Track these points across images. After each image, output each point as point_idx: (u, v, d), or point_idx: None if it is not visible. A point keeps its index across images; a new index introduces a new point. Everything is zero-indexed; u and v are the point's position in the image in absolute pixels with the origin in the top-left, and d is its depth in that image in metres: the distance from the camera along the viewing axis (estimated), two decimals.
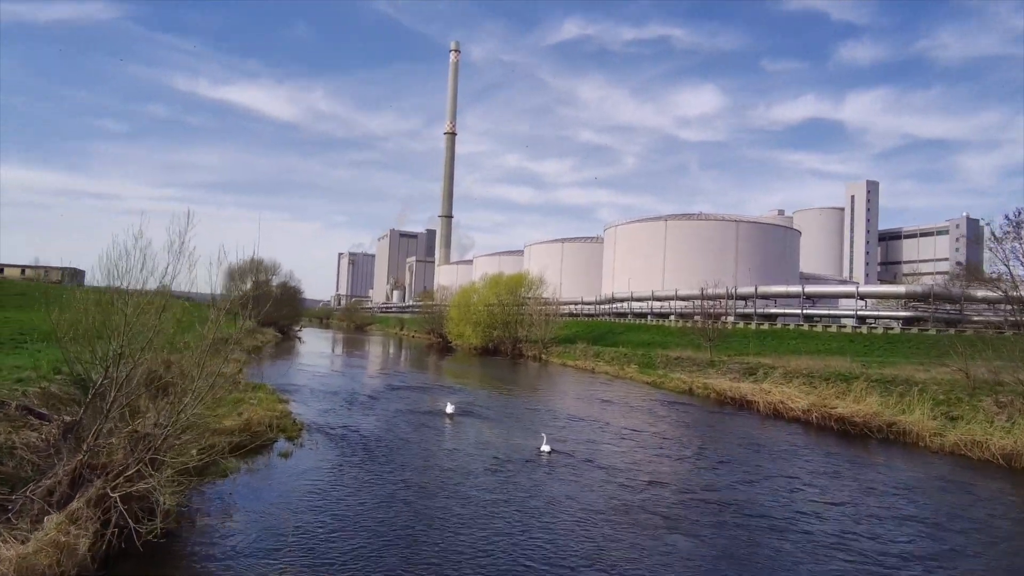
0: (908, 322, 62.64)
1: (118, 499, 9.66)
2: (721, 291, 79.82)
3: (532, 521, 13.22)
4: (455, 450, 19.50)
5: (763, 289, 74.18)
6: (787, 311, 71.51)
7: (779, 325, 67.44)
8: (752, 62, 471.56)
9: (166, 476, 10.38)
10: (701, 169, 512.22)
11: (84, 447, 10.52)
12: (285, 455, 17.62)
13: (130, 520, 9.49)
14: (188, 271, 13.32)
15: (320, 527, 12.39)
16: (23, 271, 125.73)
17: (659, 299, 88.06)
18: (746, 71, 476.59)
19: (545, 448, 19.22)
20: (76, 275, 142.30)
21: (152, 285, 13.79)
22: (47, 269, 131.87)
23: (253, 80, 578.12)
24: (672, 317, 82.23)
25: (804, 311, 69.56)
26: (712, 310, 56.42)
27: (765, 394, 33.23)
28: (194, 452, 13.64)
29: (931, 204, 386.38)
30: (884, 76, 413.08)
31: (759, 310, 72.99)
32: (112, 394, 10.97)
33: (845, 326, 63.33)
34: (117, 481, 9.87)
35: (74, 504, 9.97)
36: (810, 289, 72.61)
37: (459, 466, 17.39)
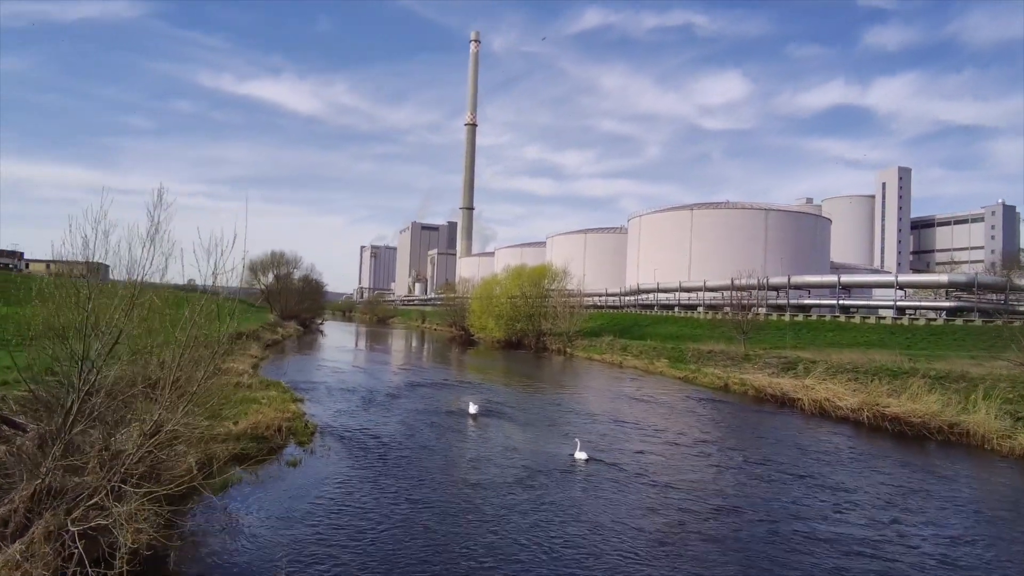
0: (951, 312, 59.70)
1: (76, 534, 8.03)
2: (752, 281, 77.21)
3: (571, 553, 11.43)
4: (480, 459, 17.75)
5: (796, 279, 71.39)
6: (821, 302, 68.77)
7: (814, 316, 64.71)
8: (777, 48, 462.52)
9: (134, 505, 8.70)
10: (725, 158, 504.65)
11: (43, 468, 8.91)
12: (293, 464, 16.00)
13: (87, 562, 7.85)
14: (165, 260, 11.48)
15: (324, 559, 10.71)
16: (48, 265, 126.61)
17: (687, 290, 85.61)
18: (771, 57, 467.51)
19: (580, 455, 17.43)
20: (100, 269, 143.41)
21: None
22: (72, 264, 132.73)
23: (276, 75, 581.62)
24: (700, 309, 79.81)
25: (840, 301, 66.82)
26: (744, 301, 54.02)
27: (809, 391, 31.06)
28: (182, 470, 12.08)
29: (962, 191, 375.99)
30: (913, 60, 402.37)
31: (792, 301, 70.30)
32: (75, 404, 9.34)
33: (884, 317, 60.53)
34: (75, 513, 8.23)
35: (28, 536, 8.39)
36: (847, 279, 69.74)
37: (485, 480, 15.62)
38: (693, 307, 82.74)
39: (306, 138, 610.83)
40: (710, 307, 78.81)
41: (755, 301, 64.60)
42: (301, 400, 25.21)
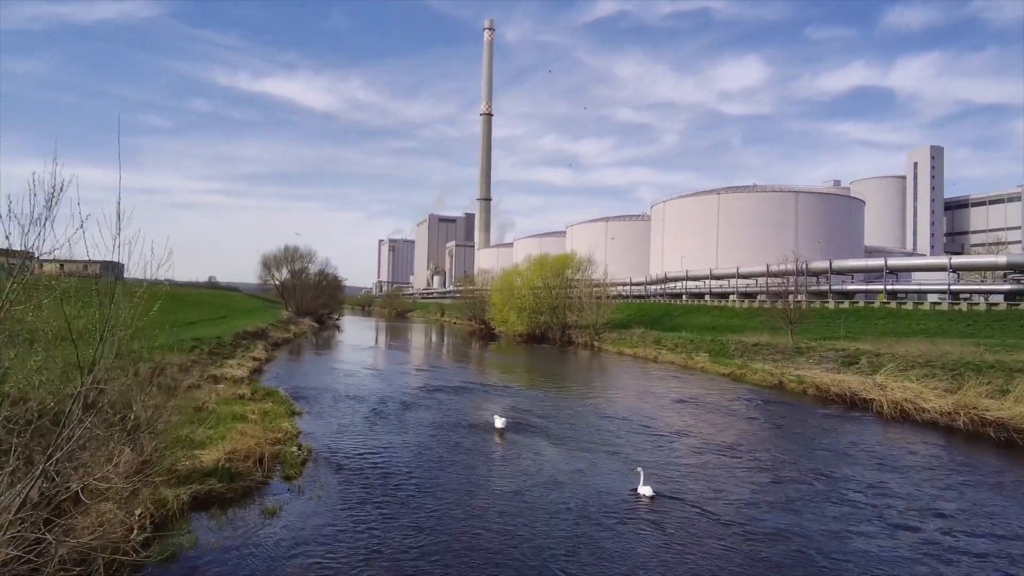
0: (1009, 296, 54.82)
1: None
2: (789, 266, 72.59)
3: None
4: (512, 495, 13.90)
5: (839, 264, 66.64)
6: (869, 287, 64.16)
7: (861, 303, 60.10)
8: (796, 31, 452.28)
9: None
10: (744, 144, 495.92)
11: None
12: (271, 512, 12.18)
13: None
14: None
15: None
16: (62, 265, 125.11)
17: (717, 278, 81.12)
18: (790, 40, 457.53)
19: (644, 490, 13.58)
20: (114, 268, 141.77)
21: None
22: (87, 263, 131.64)
23: (292, 72, 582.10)
24: (733, 297, 75.38)
25: (887, 287, 62.11)
26: (787, 288, 49.72)
27: (885, 392, 26.89)
28: (103, 536, 8.47)
29: (989, 172, 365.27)
30: (936, 40, 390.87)
31: (834, 287, 65.63)
32: None
33: (939, 302, 55.83)
34: None
35: None
36: (895, 262, 64.90)
37: (522, 533, 11.77)
38: (725, 295, 78.32)
39: (322, 134, 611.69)
40: (744, 295, 74.39)
41: (794, 288, 60.15)
42: (299, 414, 21.61)
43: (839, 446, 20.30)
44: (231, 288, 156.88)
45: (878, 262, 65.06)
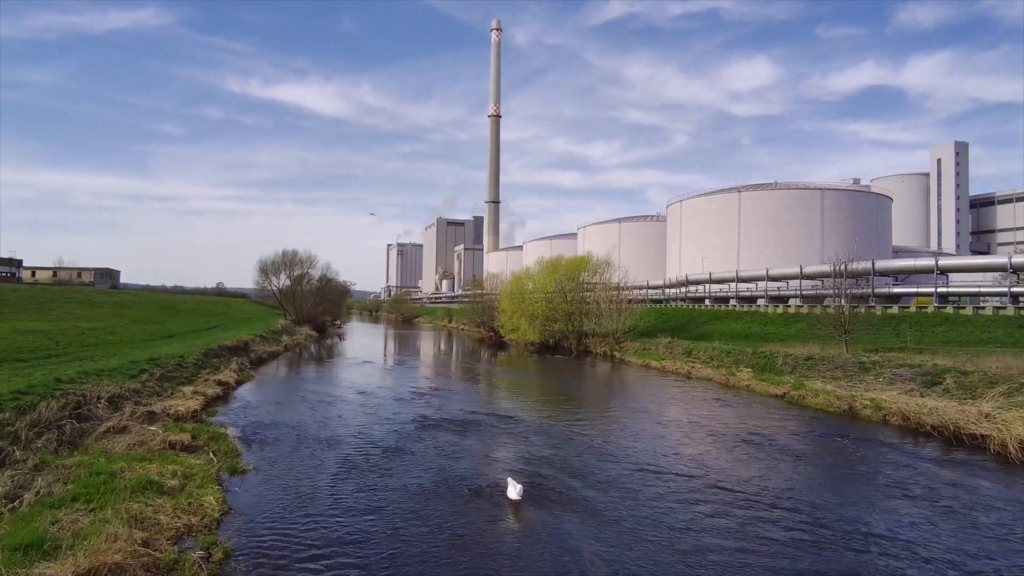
0: None
1: None
2: (824, 267, 66.63)
3: None
4: None
5: (884, 264, 60.62)
6: (916, 290, 58.20)
7: (913, 308, 54.11)
8: (807, 30, 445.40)
9: None
10: (754, 144, 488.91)
11: None
12: None
13: None
14: None
15: None
16: (55, 273, 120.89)
17: (745, 280, 75.19)
18: (800, 40, 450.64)
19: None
20: (110, 275, 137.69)
21: None
22: (80, 270, 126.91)
23: (302, 78, 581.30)
24: (762, 301, 69.48)
25: (938, 289, 56.11)
26: (837, 290, 43.92)
27: (995, 423, 21.09)
28: None
29: (1005, 170, 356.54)
30: (947, 38, 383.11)
31: (877, 290, 59.62)
32: None
33: (1004, 307, 49.77)
34: None
35: None
36: (946, 262, 58.82)
37: None
38: (752, 299, 72.46)
39: (333, 139, 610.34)
40: (775, 299, 68.50)
41: (846, 291, 54.13)
42: (242, 473, 15.97)
43: (977, 510, 14.53)
44: (239, 295, 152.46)
45: (927, 262, 59.03)
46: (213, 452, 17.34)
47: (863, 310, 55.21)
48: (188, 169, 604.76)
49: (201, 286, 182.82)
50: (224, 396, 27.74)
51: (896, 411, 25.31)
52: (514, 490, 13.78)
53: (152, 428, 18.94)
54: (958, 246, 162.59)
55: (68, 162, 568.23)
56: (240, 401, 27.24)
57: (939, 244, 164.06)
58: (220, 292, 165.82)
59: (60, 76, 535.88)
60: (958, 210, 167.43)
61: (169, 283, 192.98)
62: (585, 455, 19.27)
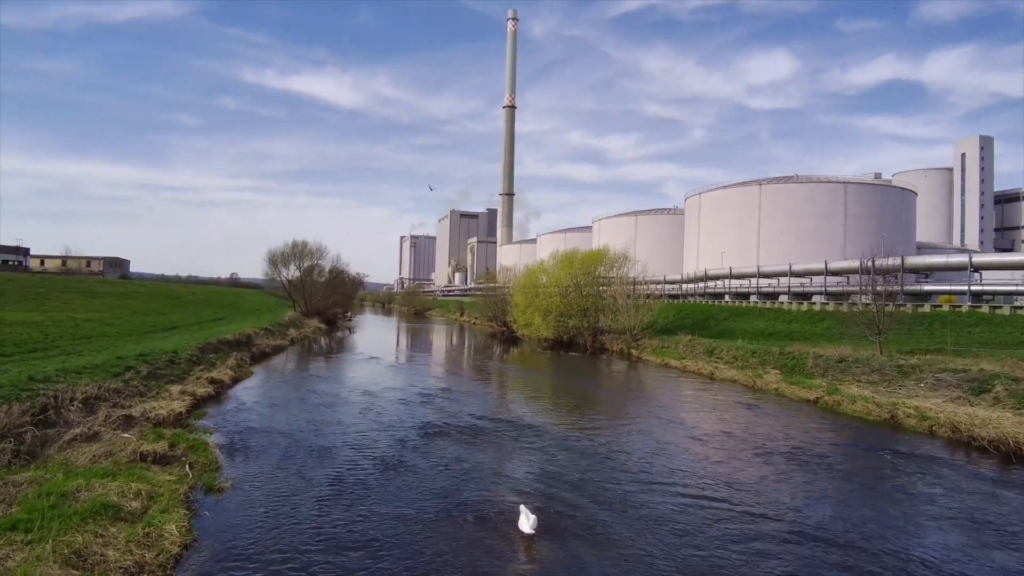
0: None
1: None
2: (850, 263, 64.06)
3: None
4: None
5: (914, 261, 57.91)
6: (950, 288, 55.51)
7: (946, 307, 51.46)
8: (826, 23, 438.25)
9: None
10: (772, 138, 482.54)
11: None
12: None
13: None
14: None
15: None
16: (64, 262, 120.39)
17: (767, 276, 72.67)
18: (820, 33, 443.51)
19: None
20: (119, 264, 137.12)
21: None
22: (90, 259, 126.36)
23: (319, 69, 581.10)
24: (784, 298, 66.97)
25: (972, 287, 53.40)
26: (872, 286, 41.49)
27: None
28: None
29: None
30: (969, 32, 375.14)
31: (906, 287, 56.98)
32: None
33: None
34: None
35: None
36: (981, 259, 56.05)
37: None
38: (774, 295, 69.93)
39: (349, 131, 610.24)
40: (798, 295, 65.99)
41: (859, 287, 51.68)
42: (217, 491, 14.12)
43: None
44: (252, 286, 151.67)
45: (960, 259, 56.28)
46: (190, 465, 15.54)
47: (891, 308, 52.76)
48: (204, 160, 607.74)
49: (215, 276, 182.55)
50: (217, 396, 25.98)
51: (945, 422, 23.08)
52: (527, 522, 11.79)
53: (126, 435, 17.17)
54: (981, 243, 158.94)
55: (85, 152, 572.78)
56: (233, 402, 25.47)
57: (962, 240, 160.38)
58: (234, 283, 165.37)
59: (78, 66, 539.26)
60: (982, 206, 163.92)
61: (183, 273, 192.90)
62: (608, 475, 17.26)
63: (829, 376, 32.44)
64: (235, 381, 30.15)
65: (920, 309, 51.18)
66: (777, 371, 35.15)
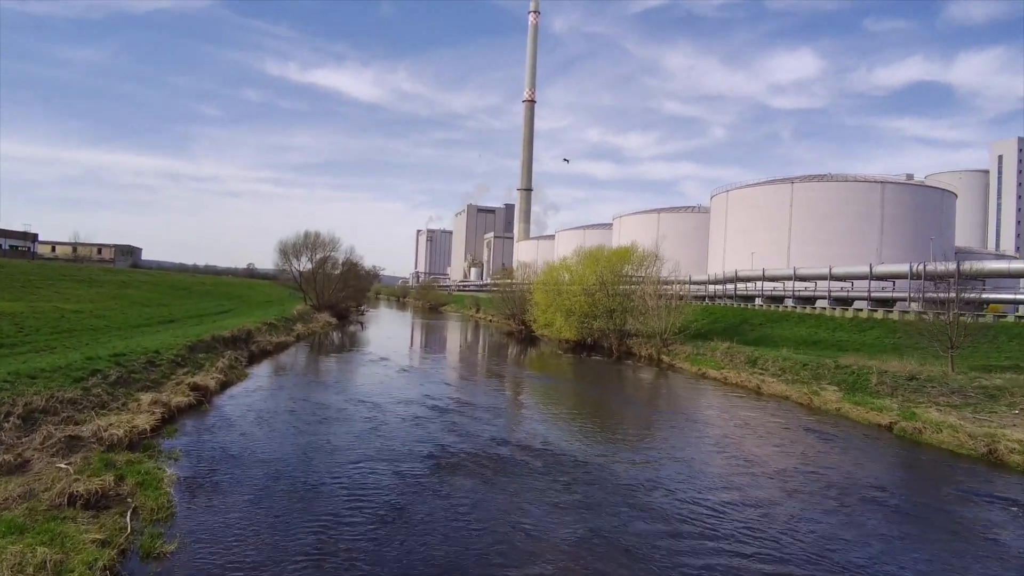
0: None
1: None
2: (899, 267, 59.52)
3: None
4: None
5: (972, 266, 53.16)
6: (1006, 296, 50.99)
7: (1010, 318, 47.00)
8: (854, 22, 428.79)
9: None
10: (794, 139, 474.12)
11: None
12: None
13: None
14: None
15: None
16: (74, 249, 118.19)
17: (803, 279, 68.13)
18: (847, 32, 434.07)
19: None
20: (131, 252, 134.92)
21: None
22: (100, 247, 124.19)
23: (340, 63, 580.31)
24: (823, 303, 62.53)
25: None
26: (941, 292, 37.27)
27: None
28: None
29: None
30: (999, 34, 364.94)
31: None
32: None
33: None
34: None
35: None
36: None
37: None
38: (811, 300, 65.50)
39: (369, 125, 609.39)
40: (839, 300, 61.57)
41: (907, 294, 47.20)
42: (157, 558, 10.50)
43: None
44: (269, 277, 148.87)
45: (1021, 264, 51.64)
46: (133, 511, 11.97)
47: (931, 316, 48.29)
48: (226, 150, 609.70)
49: (232, 266, 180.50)
50: (198, 406, 22.43)
51: None
52: None
53: (62, 465, 13.63)
54: (1018, 248, 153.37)
55: (109, 141, 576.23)
56: (214, 415, 21.87)
57: (997, 244, 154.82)
58: (250, 274, 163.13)
59: (105, 55, 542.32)
60: (1019, 209, 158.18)
61: (201, 263, 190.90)
62: (656, 527, 13.47)
63: (899, 396, 28.32)
64: (224, 386, 26.60)
65: (982, 319, 46.67)
66: (835, 387, 31.07)
